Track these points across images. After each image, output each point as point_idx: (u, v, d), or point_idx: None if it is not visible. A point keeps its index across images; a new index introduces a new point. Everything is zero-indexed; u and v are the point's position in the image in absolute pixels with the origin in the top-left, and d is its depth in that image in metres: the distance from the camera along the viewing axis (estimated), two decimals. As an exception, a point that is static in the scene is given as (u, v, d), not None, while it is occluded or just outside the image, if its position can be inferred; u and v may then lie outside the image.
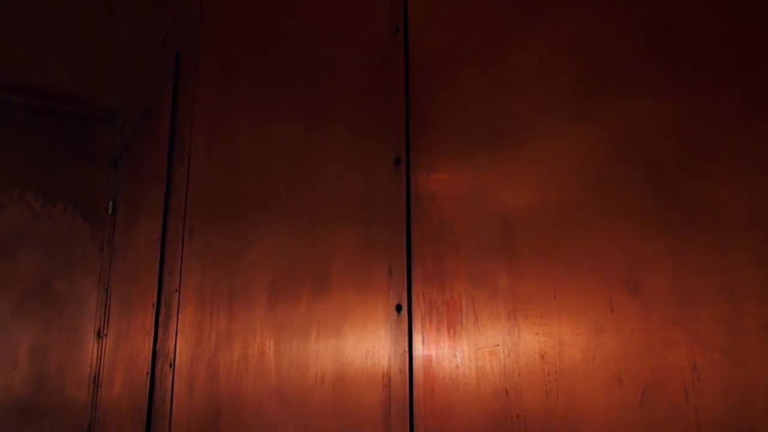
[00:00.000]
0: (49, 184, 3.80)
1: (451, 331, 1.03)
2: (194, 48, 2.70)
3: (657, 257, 0.75)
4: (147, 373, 2.55)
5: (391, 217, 1.22)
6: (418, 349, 1.10)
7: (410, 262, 1.15)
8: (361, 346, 1.25)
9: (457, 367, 1.01)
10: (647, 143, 0.78)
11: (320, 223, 1.51)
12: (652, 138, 0.78)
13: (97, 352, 3.71)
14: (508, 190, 0.98)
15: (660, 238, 0.75)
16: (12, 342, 3.56)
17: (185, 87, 2.75)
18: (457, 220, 1.06)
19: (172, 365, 2.33)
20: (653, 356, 0.74)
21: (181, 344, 2.29)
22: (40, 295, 3.67)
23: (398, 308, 1.15)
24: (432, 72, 1.19)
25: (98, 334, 3.72)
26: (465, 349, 1.00)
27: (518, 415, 0.89)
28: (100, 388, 3.60)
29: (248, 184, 1.96)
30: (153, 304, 2.64)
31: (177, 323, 2.36)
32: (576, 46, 0.90)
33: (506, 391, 0.91)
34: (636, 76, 0.81)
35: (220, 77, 2.39)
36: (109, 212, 3.88)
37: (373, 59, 1.39)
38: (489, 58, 1.06)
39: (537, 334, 0.88)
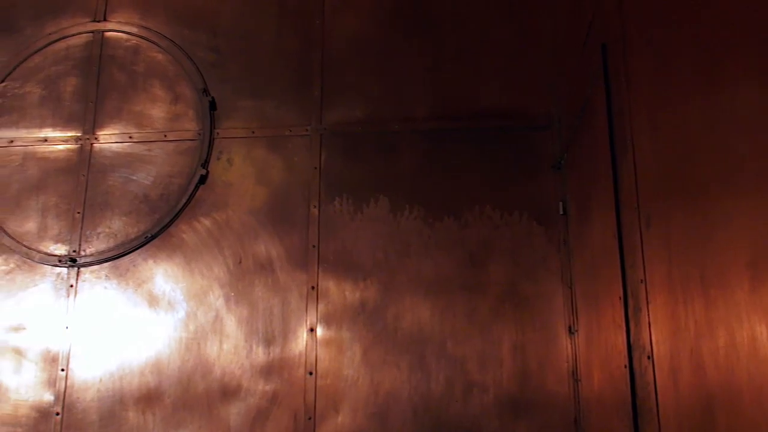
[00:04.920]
0: (501, 196, 4.14)
1: None
2: (620, 34, 2.66)
3: None
4: (625, 366, 2.56)
5: None
6: None
7: None
8: None
9: None
10: None
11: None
12: None
13: (571, 347, 3.87)
14: None
15: None
16: (495, 341, 3.95)
17: (616, 76, 2.72)
18: None
19: (650, 357, 2.29)
20: None
21: (657, 335, 2.24)
22: (512, 298, 4.01)
23: None
24: None
25: (570, 330, 3.89)
26: None
27: None
28: (579, 383, 3.75)
29: (705, 161, 1.83)
30: (619, 297, 2.64)
31: (648, 314, 2.32)
32: None
33: None
34: None
35: (652, 56, 2.30)
36: (561, 213, 4.04)
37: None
38: None
39: None
